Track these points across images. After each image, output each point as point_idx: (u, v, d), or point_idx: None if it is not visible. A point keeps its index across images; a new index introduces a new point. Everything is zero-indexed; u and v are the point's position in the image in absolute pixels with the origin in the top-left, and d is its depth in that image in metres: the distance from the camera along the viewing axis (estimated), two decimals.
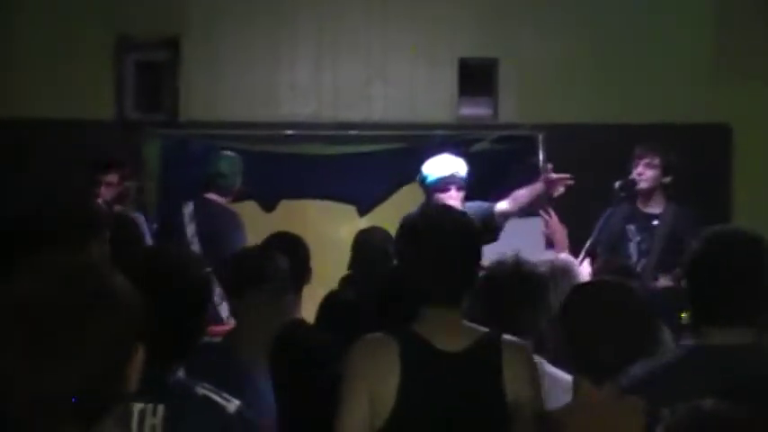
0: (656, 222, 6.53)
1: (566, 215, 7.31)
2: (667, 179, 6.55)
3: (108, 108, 7.76)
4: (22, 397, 1.73)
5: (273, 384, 3.88)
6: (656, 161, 6.52)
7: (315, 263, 5.31)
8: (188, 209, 7.02)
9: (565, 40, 7.93)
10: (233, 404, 2.56)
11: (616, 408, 2.96)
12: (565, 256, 4.65)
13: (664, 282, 6.12)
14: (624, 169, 6.58)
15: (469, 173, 6.41)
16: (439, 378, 3.10)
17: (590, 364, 3.02)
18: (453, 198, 6.29)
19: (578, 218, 6.75)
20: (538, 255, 4.76)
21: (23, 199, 6.37)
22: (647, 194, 6.54)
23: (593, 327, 3.03)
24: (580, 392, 3.04)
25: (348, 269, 6.00)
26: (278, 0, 8.01)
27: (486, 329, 3.21)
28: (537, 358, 3.56)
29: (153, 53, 7.78)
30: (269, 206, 8.07)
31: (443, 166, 6.39)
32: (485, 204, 6.45)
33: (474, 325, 3.22)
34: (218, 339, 4.35)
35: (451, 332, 3.15)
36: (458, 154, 6.62)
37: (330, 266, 6.11)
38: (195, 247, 6.71)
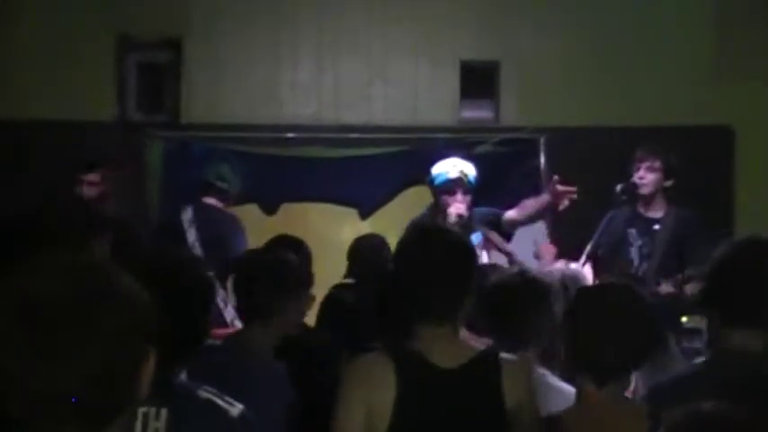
0: (657, 226, 6.52)
1: (567, 218, 7.33)
2: (668, 183, 6.54)
3: (109, 109, 7.75)
4: (24, 396, 1.72)
5: None
6: (657, 164, 6.50)
7: (316, 266, 5.32)
8: (187, 214, 7.01)
9: (566, 43, 7.93)
10: (236, 408, 2.55)
11: (617, 409, 2.97)
12: (575, 265, 4.65)
13: (665, 288, 6.12)
14: (625, 172, 6.57)
15: (477, 177, 6.42)
16: (435, 395, 3.09)
17: (591, 365, 3.02)
18: (459, 201, 6.29)
19: (579, 221, 6.75)
20: (543, 261, 4.78)
21: (24, 200, 6.36)
22: (649, 198, 6.53)
23: (594, 327, 3.04)
24: (581, 393, 3.04)
25: (345, 277, 5.99)
26: (279, 1, 8.01)
27: (483, 347, 3.21)
28: (541, 370, 3.56)
29: (154, 54, 7.77)
30: (270, 209, 8.06)
31: (451, 168, 6.39)
32: (493, 211, 6.45)
33: (471, 342, 3.23)
34: (223, 341, 4.36)
35: (448, 349, 3.14)
36: (459, 157, 6.62)
37: (331, 270, 6.11)
38: (197, 252, 6.70)
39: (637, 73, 7.93)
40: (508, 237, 6.42)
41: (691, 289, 6.19)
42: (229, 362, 3.79)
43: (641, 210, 6.56)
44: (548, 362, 3.59)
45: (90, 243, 3.00)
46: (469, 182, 6.36)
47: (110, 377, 1.76)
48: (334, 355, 4.07)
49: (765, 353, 2.94)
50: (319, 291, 5.19)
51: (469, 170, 6.39)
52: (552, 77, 7.92)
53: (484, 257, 6.06)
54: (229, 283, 6.90)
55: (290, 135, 7.93)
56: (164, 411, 2.48)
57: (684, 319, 5.63)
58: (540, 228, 7.29)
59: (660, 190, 6.52)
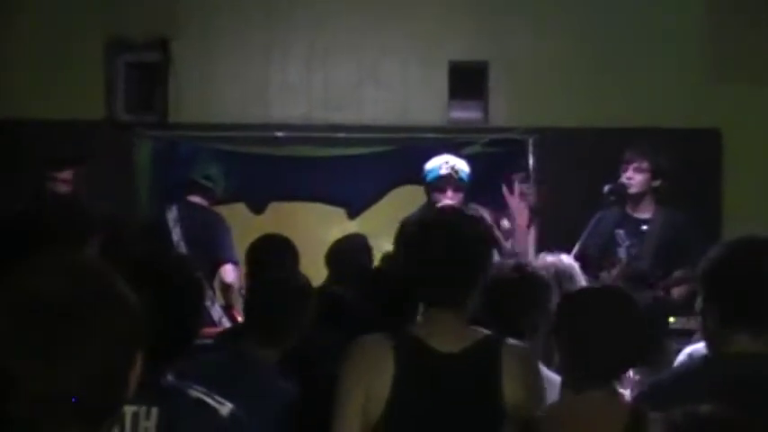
0: (645, 227, 6.54)
1: (556, 219, 7.34)
2: (657, 183, 6.56)
3: (98, 109, 7.72)
4: (24, 396, 1.73)
5: None
6: (645, 165, 6.52)
7: (304, 265, 5.32)
8: (172, 213, 7.02)
9: (555, 44, 7.94)
10: (226, 407, 2.56)
11: (596, 411, 2.96)
12: (568, 259, 4.65)
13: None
14: (614, 173, 6.59)
15: (471, 175, 6.42)
16: (432, 378, 3.10)
17: (575, 369, 3.02)
18: (449, 198, 6.30)
19: (568, 221, 6.77)
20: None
21: (12, 200, 6.35)
22: (637, 199, 6.55)
23: (581, 330, 3.04)
24: (564, 394, 3.05)
25: (326, 281, 5.93)
26: (270, 2, 8.00)
27: (488, 332, 3.20)
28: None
29: (143, 54, 7.75)
30: (258, 208, 8.06)
31: (442, 164, 6.40)
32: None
33: (477, 328, 3.21)
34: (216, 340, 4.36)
35: (450, 333, 3.14)
36: None
37: (319, 269, 6.10)
38: (182, 251, 6.70)
39: (626, 75, 7.94)
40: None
41: (679, 291, 6.22)
42: (225, 361, 3.81)
43: (630, 210, 6.57)
44: (544, 356, 3.58)
45: (87, 242, 3.01)
46: (461, 179, 6.37)
47: (109, 377, 1.77)
48: (333, 355, 4.07)
49: (764, 353, 2.94)
50: None
51: (461, 167, 6.41)
52: (542, 78, 7.93)
53: None
54: (216, 283, 6.93)
55: (279, 134, 7.92)
56: (154, 411, 2.48)
57: (672, 320, 5.65)
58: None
59: (649, 191, 6.54)
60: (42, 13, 7.86)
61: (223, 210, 7.25)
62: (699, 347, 3.48)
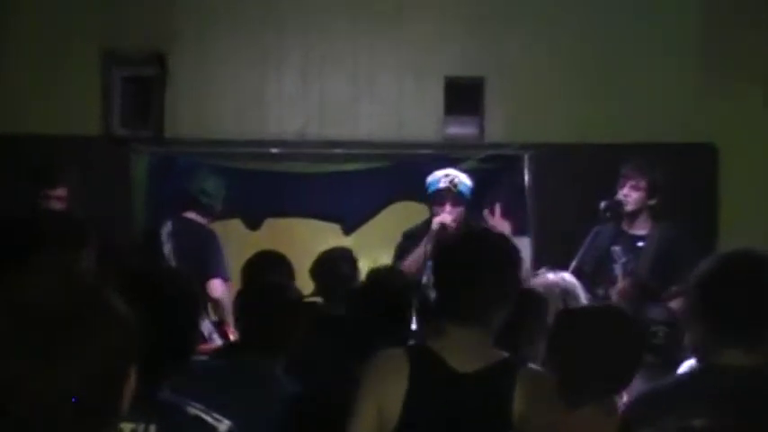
0: (641, 244, 6.53)
1: (552, 234, 7.35)
2: (653, 201, 6.56)
3: (94, 124, 7.73)
4: (24, 396, 1.73)
5: None
6: (642, 183, 6.52)
7: (299, 282, 5.32)
8: (166, 228, 7.02)
9: (551, 60, 7.95)
10: (224, 424, 2.55)
11: (589, 427, 2.96)
12: (570, 277, 4.65)
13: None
14: (610, 189, 6.59)
15: (473, 190, 6.42)
16: (444, 396, 3.10)
17: (571, 383, 3.02)
18: (447, 212, 6.29)
19: (564, 237, 6.76)
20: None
21: (7, 213, 6.33)
22: (633, 216, 6.55)
23: (576, 347, 3.05)
24: (557, 409, 3.04)
25: (312, 293, 5.92)
26: (265, 17, 8.00)
27: (507, 355, 3.19)
28: None
29: (139, 69, 7.75)
30: (254, 224, 8.05)
31: (441, 178, 6.40)
32: None
33: (499, 350, 3.20)
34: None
35: (468, 352, 3.14)
36: None
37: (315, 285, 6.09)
38: (172, 265, 6.69)
39: (621, 90, 7.95)
40: None
41: (676, 305, 6.21)
42: (223, 366, 3.82)
43: (626, 227, 6.57)
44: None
45: (81, 253, 3.02)
46: (460, 192, 6.36)
47: (110, 377, 1.77)
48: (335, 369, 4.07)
49: (753, 367, 2.93)
50: None
51: (461, 181, 6.39)
52: (537, 94, 7.94)
53: None
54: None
55: (275, 150, 7.93)
56: (152, 428, 2.47)
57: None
58: (524, 243, 7.29)
59: (645, 208, 6.54)
60: (38, 27, 7.86)
61: (218, 226, 7.24)
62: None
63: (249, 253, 5.72)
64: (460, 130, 7.90)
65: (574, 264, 6.16)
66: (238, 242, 7.24)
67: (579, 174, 7.58)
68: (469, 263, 3.16)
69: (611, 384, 3.08)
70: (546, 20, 8.00)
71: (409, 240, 6.51)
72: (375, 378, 3.15)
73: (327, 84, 8.03)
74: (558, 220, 7.47)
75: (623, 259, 6.49)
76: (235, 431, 2.55)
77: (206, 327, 6.70)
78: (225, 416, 2.57)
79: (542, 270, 4.70)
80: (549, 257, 6.66)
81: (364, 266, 6.01)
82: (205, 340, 6.43)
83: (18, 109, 7.75)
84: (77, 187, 6.77)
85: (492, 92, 7.92)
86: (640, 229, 6.57)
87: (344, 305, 4.68)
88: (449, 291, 3.19)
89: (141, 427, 2.46)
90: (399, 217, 7.65)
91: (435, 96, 7.91)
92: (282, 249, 5.78)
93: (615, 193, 6.54)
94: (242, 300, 4.27)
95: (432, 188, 6.41)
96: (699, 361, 3.13)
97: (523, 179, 7.87)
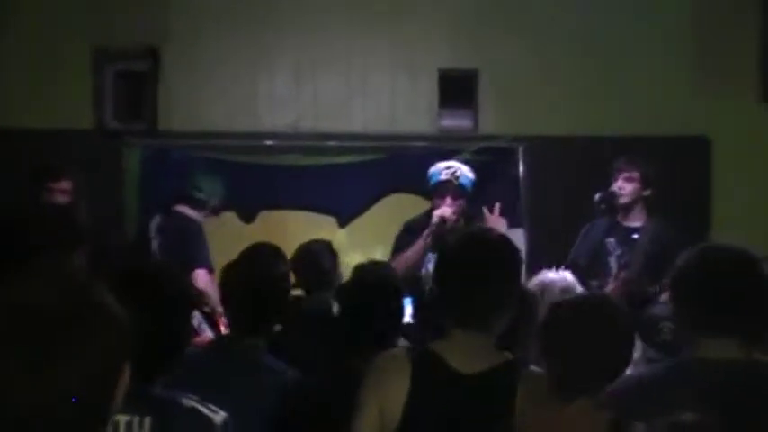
0: (636, 236, 6.54)
1: (546, 227, 7.35)
2: (647, 193, 6.57)
3: (87, 118, 7.71)
4: (24, 398, 1.73)
5: None
6: (636, 175, 6.54)
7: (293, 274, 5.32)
8: (155, 222, 7.02)
9: (544, 52, 7.95)
10: (219, 415, 2.56)
11: (578, 422, 2.96)
12: (569, 275, 4.64)
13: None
14: (604, 181, 6.60)
15: (474, 182, 6.41)
16: (446, 398, 3.09)
17: (560, 377, 3.03)
18: (447, 205, 6.28)
19: (558, 230, 6.77)
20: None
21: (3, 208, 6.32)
22: (628, 208, 6.56)
23: (565, 342, 3.05)
24: (547, 404, 3.05)
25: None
26: (259, 11, 7.99)
27: (510, 357, 3.20)
28: None
29: (133, 63, 7.73)
30: (248, 217, 8.05)
31: (442, 170, 6.38)
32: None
33: (503, 352, 3.20)
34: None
35: (472, 354, 3.13)
36: None
37: None
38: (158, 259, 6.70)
39: (615, 83, 7.96)
40: None
41: (666, 297, 6.22)
42: (218, 362, 3.82)
43: (620, 219, 6.58)
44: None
45: (75, 252, 3.02)
46: (461, 185, 6.34)
47: (108, 376, 1.77)
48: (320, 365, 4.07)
49: (736, 360, 2.94)
50: None
51: (463, 173, 6.37)
52: (531, 86, 7.94)
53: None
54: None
55: (269, 143, 7.92)
56: (147, 420, 2.48)
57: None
58: (519, 233, 7.31)
59: (639, 200, 6.55)
60: (31, 22, 7.84)
61: (212, 219, 7.24)
62: None
63: (243, 246, 5.69)
64: (454, 122, 7.89)
65: (570, 257, 6.18)
66: (233, 235, 7.22)
67: (573, 166, 7.59)
68: (473, 268, 3.15)
69: (601, 377, 3.07)
70: (539, 13, 8.00)
71: (409, 232, 6.50)
72: (377, 379, 3.15)
73: (321, 76, 8.03)
74: (551, 212, 7.48)
75: (618, 251, 6.51)
76: (230, 422, 2.56)
77: (195, 318, 6.70)
78: (219, 407, 2.58)
79: (544, 271, 4.69)
80: (543, 249, 6.69)
81: (358, 258, 6.02)
82: (195, 332, 6.43)
83: (12, 103, 7.74)
84: (81, 181, 6.77)
85: (486, 84, 7.92)
86: (635, 221, 6.58)
87: (332, 301, 4.68)
88: (452, 295, 3.18)
89: (136, 419, 2.47)
90: (393, 209, 7.66)
91: (429, 89, 7.90)
92: (277, 242, 5.75)
93: (609, 185, 6.55)
94: (226, 286, 4.26)
95: (433, 180, 6.38)
96: (683, 354, 3.13)
97: (517, 171, 7.88)
